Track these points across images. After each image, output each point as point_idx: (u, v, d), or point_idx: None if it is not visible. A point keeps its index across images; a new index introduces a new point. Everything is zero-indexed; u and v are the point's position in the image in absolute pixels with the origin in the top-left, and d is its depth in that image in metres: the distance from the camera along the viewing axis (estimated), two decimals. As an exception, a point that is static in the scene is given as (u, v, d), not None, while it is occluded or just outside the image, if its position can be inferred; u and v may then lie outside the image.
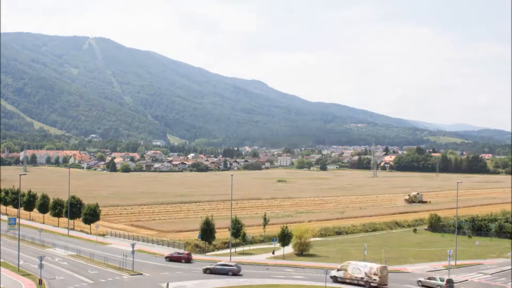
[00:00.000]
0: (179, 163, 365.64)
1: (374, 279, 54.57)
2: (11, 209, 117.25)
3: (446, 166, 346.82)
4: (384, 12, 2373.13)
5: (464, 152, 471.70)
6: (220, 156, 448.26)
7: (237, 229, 78.08)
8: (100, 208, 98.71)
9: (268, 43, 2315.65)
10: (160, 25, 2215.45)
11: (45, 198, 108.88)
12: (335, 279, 57.10)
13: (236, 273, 59.74)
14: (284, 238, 73.47)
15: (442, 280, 54.92)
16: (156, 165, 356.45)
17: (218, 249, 78.85)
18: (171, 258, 68.73)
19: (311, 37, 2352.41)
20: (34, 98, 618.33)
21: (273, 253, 74.82)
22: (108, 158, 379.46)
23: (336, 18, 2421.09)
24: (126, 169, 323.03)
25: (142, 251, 74.22)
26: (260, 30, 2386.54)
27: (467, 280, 58.52)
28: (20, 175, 71.80)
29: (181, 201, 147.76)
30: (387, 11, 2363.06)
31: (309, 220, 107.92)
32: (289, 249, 75.12)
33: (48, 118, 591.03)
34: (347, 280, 56.45)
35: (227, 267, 60.73)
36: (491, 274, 61.38)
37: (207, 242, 77.35)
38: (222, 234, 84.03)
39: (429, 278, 56.45)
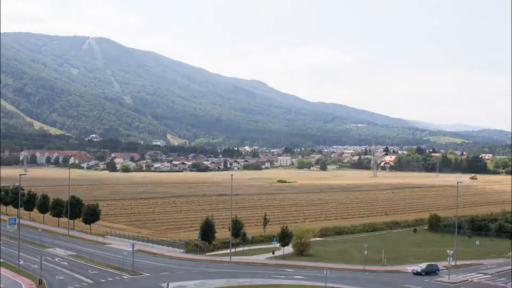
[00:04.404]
0: (179, 163, 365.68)
1: None
2: (11, 209, 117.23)
3: (446, 166, 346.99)
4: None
5: (464, 152, 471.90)
6: (220, 156, 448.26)
7: (237, 229, 78.03)
8: (100, 208, 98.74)
9: (268, 42, 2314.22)
10: (160, 25, 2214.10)
11: (45, 198, 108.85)
12: None
13: None
14: (284, 238, 73.45)
15: None
16: (156, 165, 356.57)
17: (218, 249, 78.76)
18: None
19: (311, 37, 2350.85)
20: (34, 98, 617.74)
21: (273, 253, 74.79)
22: (108, 158, 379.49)
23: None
24: (126, 169, 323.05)
25: (142, 251, 74.20)
26: (261, 30, 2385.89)
27: (467, 280, 58.49)
28: (20, 175, 71.79)
29: (180, 200, 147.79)
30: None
31: (309, 220, 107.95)
32: (289, 249, 75.08)
33: (48, 118, 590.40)
34: None
35: None
36: (491, 274, 61.33)
37: (207, 242, 77.30)
38: (222, 234, 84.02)
39: None
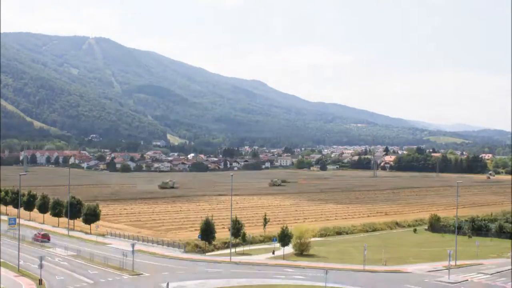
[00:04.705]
0: (179, 163, 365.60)
1: None
2: (11, 209, 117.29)
3: (446, 166, 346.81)
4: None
5: (464, 152, 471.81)
6: (220, 156, 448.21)
7: (237, 229, 78.04)
8: (100, 208, 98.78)
9: (268, 42, 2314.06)
10: (161, 25, 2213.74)
11: (45, 198, 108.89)
12: None
13: None
14: (284, 238, 73.42)
15: None
16: (156, 165, 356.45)
17: (218, 249, 78.79)
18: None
19: (312, 37, 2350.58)
20: (34, 98, 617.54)
21: (273, 253, 74.79)
22: (108, 158, 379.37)
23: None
24: (126, 169, 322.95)
25: (142, 251, 74.20)
26: (260, 28, 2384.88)
27: (467, 280, 58.52)
28: (20, 175, 71.72)
29: (180, 200, 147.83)
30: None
31: (309, 220, 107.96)
32: (289, 249, 75.10)
33: (48, 118, 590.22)
34: None
35: None
36: (491, 274, 61.34)
37: (207, 242, 77.32)
38: (222, 234, 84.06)
39: None
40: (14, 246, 69.68)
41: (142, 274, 59.76)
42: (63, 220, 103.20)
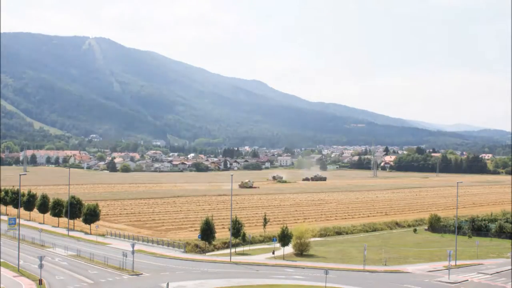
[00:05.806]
0: (179, 163, 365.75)
1: None
2: (11, 209, 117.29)
3: (446, 166, 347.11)
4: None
5: (464, 152, 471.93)
6: (220, 156, 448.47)
7: (237, 229, 78.06)
8: (100, 208, 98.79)
9: (267, 42, 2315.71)
10: (160, 24, 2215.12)
11: (45, 198, 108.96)
12: None
13: None
14: (284, 238, 73.44)
15: None
16: (156, 165, 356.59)
17: (218, 249, 78.82)
18: None
19: (311, 37, 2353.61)
20: (34, 98, 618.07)
21: (273, 253, 74.80)
22: (108, 158, 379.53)
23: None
24: (126, 169, 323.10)
25: (142, 251, 74.21)
26: (260, 29, 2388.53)
27: (467, 280, 58.53)
28: (20, 175, 71.71)
29: (180, 200, 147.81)
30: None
31: (309, 220, 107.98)
32: (289, 249, 75.12)
33: (48, 118, 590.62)
34: None
35: None
36: (491, 274, 61.36)
37: (207, 242, 77.33)
38: (222, 234, 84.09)
39: None
40: (14, 246, 69.72)
41: (142, 274, 59.76)
42: (63, 220, 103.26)
